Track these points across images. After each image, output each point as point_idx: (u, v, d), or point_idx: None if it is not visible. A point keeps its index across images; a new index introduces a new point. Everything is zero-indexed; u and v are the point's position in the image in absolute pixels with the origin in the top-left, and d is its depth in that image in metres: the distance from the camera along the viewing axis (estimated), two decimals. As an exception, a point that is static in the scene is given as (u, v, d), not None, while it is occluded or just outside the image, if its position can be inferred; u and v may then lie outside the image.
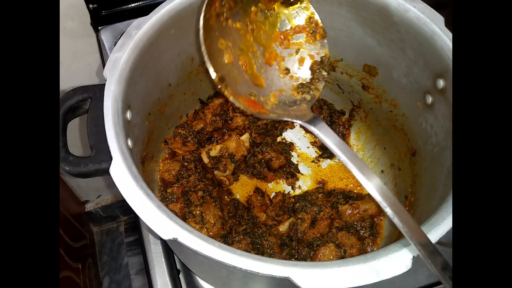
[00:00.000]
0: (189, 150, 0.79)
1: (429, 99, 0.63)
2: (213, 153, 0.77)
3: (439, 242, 0.45)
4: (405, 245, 0.45)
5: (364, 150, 0.84)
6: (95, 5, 0.86)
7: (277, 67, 0.65)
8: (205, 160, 0.77)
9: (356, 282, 0.42)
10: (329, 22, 0.70)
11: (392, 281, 0.42)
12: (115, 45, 0.58)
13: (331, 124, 0.86)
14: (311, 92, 0.63)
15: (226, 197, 0.78)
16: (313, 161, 0.85)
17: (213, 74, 0.56)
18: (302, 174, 0.83)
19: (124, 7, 0.88)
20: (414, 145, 0.70)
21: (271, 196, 0.81)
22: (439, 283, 0.69)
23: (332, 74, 0.81)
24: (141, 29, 0.60)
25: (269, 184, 0.83)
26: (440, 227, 0.46)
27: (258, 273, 0.42)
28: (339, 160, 0.73)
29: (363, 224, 0.73)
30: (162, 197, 0.74)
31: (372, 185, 0.48)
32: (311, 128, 0.55)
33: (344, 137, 0.86)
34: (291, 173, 0.83)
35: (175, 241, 0.44)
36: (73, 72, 0.98)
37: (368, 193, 0.50)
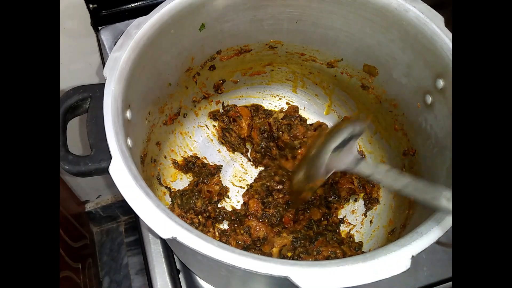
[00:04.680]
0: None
1: (429, 99, 0.63)
2: None
3: (438, 241, 0.45)
4: (404, 245, 0.45)
5: (364, 150, 0.85)
6: (95, 5, 0.86)
7: None
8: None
9: (355, 281, 0.42)
10: (329, 22, 0.71)
11: (391, 280, 0.42)
12: (115, 45, 0.59)
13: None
14: None
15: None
16: None
17: None
18: None
19: (124, 7, 0.89)
20: (414, 145, 0.69)
21: None
22: (439, 283, 0.69)
23: (331, 73, 0.81)
24: (141, 28, 0.60)
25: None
26: (439, 227, 0.46)
27: (257, 272, 0.42)
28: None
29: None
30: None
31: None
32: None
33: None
34: None
35: (174, 240, 0.44)
36: (73, 72, 0.98)
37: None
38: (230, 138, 0.86)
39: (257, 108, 0.88)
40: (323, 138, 0.61)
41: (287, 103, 0.91)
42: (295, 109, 0.89)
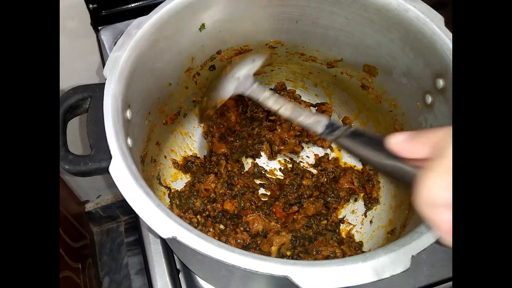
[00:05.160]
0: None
1: (429, 99, 0.63)
2: None
3: (438, 241, 0.45)
4: (404, 244, 0.45)
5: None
6: (95, 5, 0.86)
7: None
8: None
9: (355, 281, 0.42)
10: (329, 22, 0.71)
11: (391, 280, 0.42)
12: (115, 45, 0.59)
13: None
14: None
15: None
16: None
17: None
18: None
19: (124, 7, 0.89)
20: (414, 145, 0.69)
21: None
22: (439, 283, 0.69)
23: (331, 73, 0.81)
24: (141, 28, 0.60)
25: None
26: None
27: (257, 271, 0.42)
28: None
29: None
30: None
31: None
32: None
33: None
34: None
35: (174, 239, 0.44)
36: (73, 72, 0.98)
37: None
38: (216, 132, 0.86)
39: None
40: (230, 66, 0.71)
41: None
42: (282, 85, 0.89)
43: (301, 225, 0.75)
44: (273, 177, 0.85)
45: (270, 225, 0.75)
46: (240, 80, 0.68)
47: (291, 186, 0.79)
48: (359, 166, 0.85)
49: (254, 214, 0.75)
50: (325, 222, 0.77)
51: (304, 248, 0.71)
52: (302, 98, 0.90)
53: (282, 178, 0.84)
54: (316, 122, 0.55)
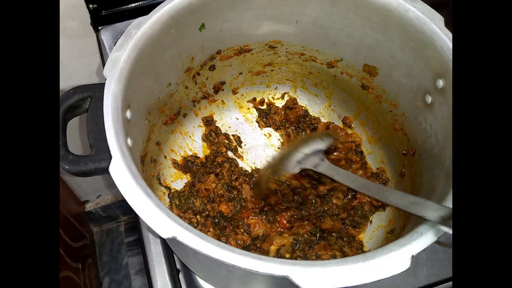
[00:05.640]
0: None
1: (429, 99, 0.63)
2: None
3: (438, 241, 0.45)
4: (404, 244, 0.45)
5: (364, 150, 0.84)
6: (95, 5, 0.86)
7: None
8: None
9: (355, 281, 0.42)
10: (329, 22, 0.71)
11: (391, 280, 0.42)
12: (115, 45, 0.59)
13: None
14: None
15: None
16: None
17: None
18: None
19: (124, 7, 0.89)
20: (414, 145, 0.70)
21: None
22: (439, 283, 0.69)
23: (331, 74, 0.81)
24: (141, 28, 0.60)
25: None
26: (439, 226, 0.46)
27: (257, 271, 0.42)
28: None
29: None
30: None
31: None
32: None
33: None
34: None
35: (174, 239, 0.44)
36: (73, 72, 0.99)
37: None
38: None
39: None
40: (299, 141, 0.73)
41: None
42: (293, 101, 0.90)
43: (306, 230, 0.73)
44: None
45: (271, 230, 0.74)
46: (307, 155, 0.70)
47: (314, 202, 0.75)
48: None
49: (257, 217, 0.75)
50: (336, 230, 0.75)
51: (303, 252, 0.70)
52: (302, 98, 0.90)
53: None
54: (381, 191, 0.60)
